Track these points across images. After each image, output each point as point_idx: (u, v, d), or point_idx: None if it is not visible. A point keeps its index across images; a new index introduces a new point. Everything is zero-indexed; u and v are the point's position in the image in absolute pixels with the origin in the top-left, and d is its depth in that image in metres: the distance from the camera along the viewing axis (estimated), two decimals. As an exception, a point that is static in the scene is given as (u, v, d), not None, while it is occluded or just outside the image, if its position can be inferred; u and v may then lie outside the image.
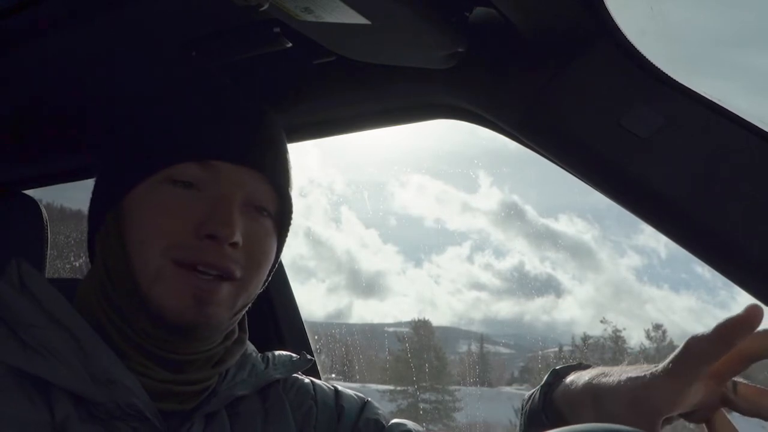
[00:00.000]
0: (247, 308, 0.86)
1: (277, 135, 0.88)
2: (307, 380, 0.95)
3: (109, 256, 0.80)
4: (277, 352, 0.95)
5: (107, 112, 1.19)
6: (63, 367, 0.72)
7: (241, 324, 0.89)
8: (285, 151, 0.88)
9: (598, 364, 0.74)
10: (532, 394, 0.77)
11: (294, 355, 0.95)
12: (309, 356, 0.94)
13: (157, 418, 0.74)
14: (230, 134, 0.81)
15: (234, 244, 0.77)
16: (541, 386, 0.75)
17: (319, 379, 0.99)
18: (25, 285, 0.78)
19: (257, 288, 0.83)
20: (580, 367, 0.75)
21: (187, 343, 0.78)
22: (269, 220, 0.83)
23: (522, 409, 0.77)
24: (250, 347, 0.92)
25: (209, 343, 0.81)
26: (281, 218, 0.86)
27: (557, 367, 0.77)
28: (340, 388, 0.96)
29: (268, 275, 0.86)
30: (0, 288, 0.77)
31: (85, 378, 0.72)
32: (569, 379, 0.73)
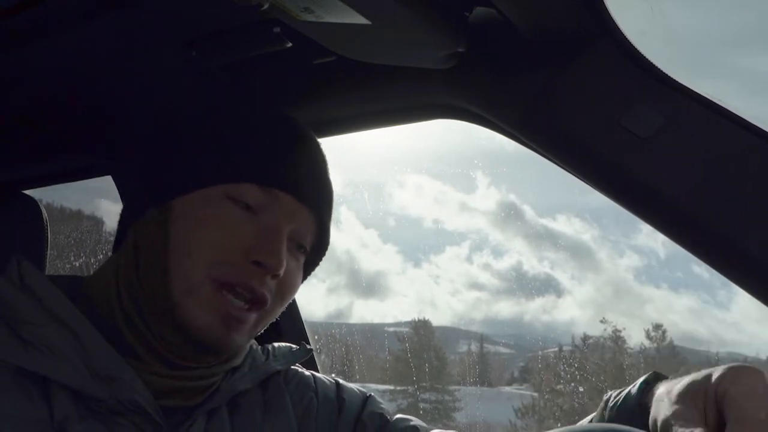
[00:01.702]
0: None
1: (328, 171, 0.91)
2: (308, 373, 0.96)
3: (144, 256, 0.80)
4: (276, 344, 0.96)
5: (109, 111, 1.19)
6: (63, 364, 0.72)
7: None
8: (333, 190, 0.91)
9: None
10: (623, 390, 0.75)
11: (294, 346, 0.96)
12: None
13: (159, 414, 0.74)
14: (296, 167, 0.83)
15: (276, 276, 0.79)
16: (641, 383, 0.74)
17: (319, 378, 1.00)
18: (25, 282, 0.77)
19: (275, 317, 0.85)
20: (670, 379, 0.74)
21: (203, 357, 0.79)
22: (303, 257, 0.86)
23: (606, 401, 0.76)
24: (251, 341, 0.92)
25: (221, 359, 0.82)
26: (314, 254, 0.89)
27: (657, 372, 0.75)
28: (341, 381, 0.97)
29: None
30: (0, 285, 0.77)
31: (86, 374, 0.72)
32: (659, 387, 0.70)
